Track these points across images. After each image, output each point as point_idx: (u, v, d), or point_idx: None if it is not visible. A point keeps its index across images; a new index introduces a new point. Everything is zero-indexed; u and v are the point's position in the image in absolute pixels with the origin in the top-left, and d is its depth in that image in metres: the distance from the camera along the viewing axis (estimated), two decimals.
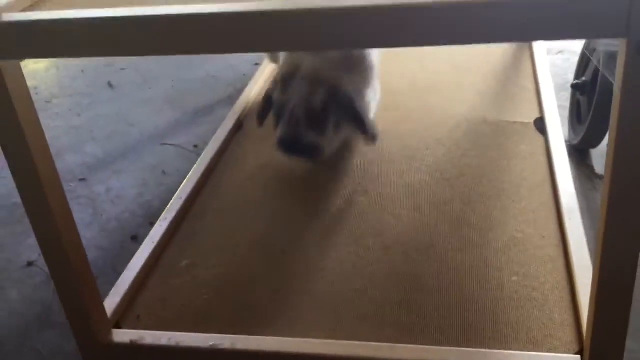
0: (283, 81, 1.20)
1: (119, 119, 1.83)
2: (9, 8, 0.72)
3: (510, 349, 0.85)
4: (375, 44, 0.76)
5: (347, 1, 0.61)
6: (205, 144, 1.46)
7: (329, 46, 0.75)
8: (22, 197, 0.80)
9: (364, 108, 1.21)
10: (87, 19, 0.66)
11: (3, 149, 0.77)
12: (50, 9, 0.73)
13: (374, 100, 1.28)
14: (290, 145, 1.18)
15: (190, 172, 1.30)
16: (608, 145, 0.68)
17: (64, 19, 0.67)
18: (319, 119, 1.17)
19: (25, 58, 0.72)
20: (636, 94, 0.60)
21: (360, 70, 1.24)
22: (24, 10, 0.74)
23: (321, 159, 1.21)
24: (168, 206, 1.20)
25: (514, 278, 0.96)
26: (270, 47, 0.91)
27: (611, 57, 1.23)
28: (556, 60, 1.90)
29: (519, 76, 1.53)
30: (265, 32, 0.64)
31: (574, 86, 1.49)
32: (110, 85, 2.03)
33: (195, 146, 1.65)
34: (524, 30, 0.60)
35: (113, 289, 1.00)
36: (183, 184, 1.26)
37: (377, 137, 1.21)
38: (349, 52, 1.23)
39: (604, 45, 1.24)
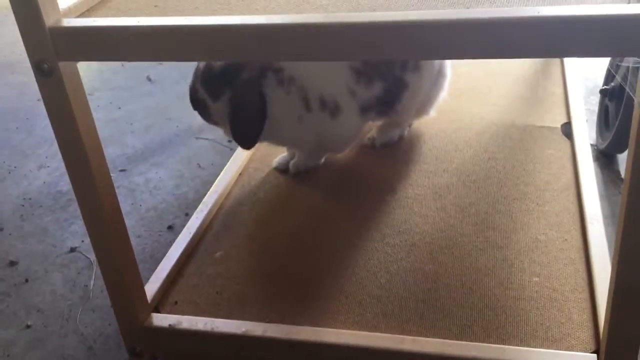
0: None
1: (157, 113, 1.90)
2: (67, 13, 0.78)
3: (529, 347, 0.89)
4: (407, 56, 0.80)
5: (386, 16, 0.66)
6: None
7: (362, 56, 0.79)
8: (73, 185, 0.85)
9: (256, 107, 1.11)
10: (139, 27, 0.72)
11: (59, 142, 0.82)
12: (105, 15, 0.79)
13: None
14: (190, 95, 1.18)
15: (225, 167, 1.35)
16: (627, 155, 0.71)
17: (117, 26, 0.73)
18: (213, 81, 1.13)
19: (81, 60, 0.77)
20: None
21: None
22: (81, 15, 0.80)
23: (212, 121, 1.20)
24: (204, 199, 1.25)
25: (535, 279, 0.99)
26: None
27: (633, 72, 1.26)
28: (587, 64, 1.91)
29: (549, 80, 1.55)
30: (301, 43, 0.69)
31: (602, 92, 1.51)
32: (149, 79, 2.11)
33: (230, 141, 1.70)
34: (552, 47, 0.63)
35: (152, 276, 1.06)
36: (218, 178, 1.32)
37: (245, 146, 1.17)
38: None
39: (627, 61, 1.26)
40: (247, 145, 1.18)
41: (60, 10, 0.76)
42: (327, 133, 1.21)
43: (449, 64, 1.31)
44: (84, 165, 0.83)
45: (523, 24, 0.63)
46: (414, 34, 0.65)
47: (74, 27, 0.74)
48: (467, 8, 0.67)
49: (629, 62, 1.24)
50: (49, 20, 0.73)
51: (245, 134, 1.15)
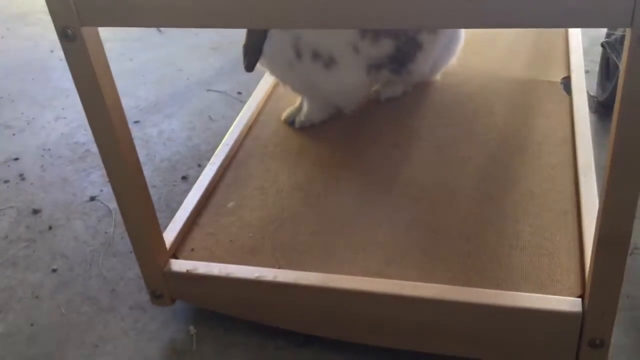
0: None
1: (168, 64, 1.94)
2: None
3: (520, 291, 0.96)
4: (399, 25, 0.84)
5: None
6: (248, 91, 1.56)
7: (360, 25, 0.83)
8: (96, 140, 0.92)
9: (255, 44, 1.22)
10: None
11: (82, 100, 0.88)
12: None
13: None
14: None
15: (236, 120, 1.40)
16: (612, 118, 0.76)
17: None
18: None
19: (103, 25, 0.82)
20: (638, 77, 0.69)
21: None
22: None
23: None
24: (216, 151, 1.31)
25: (529, 229, 1.06)
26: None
27: (618, 40, 1.30)
28: None
29: (551, 34, 1.58)
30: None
31: (603, 44, 1.54)
32: (159, 30, 2.13)
33: (239, 93, 1.75)
34: (539, 17, 0.68)
35: (170, 225, 1.13)
36: (229, 131, 1.37)
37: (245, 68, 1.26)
38: None
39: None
40: (245, 68, 1.25)
41: None
42: (324, 84, 1.26)
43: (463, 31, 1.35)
44: (106, 122, 0.90)
45: None
46: (415, 3, 0.70)
47: None
48: None
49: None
50: None
51: (246, 58, 1.23)
